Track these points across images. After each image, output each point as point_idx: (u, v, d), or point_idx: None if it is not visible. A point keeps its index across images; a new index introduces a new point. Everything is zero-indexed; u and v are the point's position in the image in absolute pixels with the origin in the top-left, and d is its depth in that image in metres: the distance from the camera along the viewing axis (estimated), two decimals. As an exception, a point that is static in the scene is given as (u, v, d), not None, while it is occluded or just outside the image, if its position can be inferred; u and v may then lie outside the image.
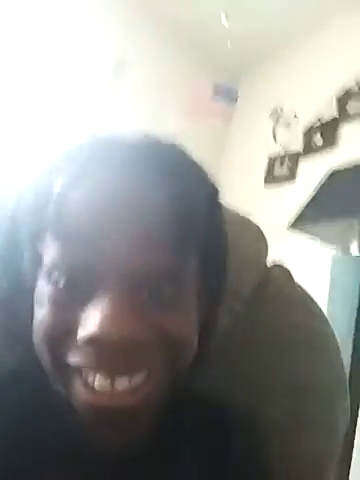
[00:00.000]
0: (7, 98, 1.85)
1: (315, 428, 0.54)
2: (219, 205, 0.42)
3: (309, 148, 2.02)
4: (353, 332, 1.37)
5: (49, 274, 0.34)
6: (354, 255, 1.57)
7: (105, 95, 2.07)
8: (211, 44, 2.05)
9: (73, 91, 2.01)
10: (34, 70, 1.91)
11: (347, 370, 1.10)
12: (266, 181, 2.21)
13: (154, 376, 0.34)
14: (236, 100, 1.89)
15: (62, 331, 0.33)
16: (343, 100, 1.92)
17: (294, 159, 2.09)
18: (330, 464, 0.55)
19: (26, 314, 0.37)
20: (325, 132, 1.96)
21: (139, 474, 0.39)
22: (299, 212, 1.59)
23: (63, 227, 0.33)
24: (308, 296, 0.60)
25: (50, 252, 0.34)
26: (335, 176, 1.63)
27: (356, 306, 1.41)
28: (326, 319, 0.59)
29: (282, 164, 2.15)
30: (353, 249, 1.59)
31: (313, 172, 1.81)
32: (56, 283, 0.33)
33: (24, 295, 0.38)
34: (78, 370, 0.34)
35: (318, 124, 2.01)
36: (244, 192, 2.02)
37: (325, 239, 1.60)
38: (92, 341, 0.31)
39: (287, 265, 0.63)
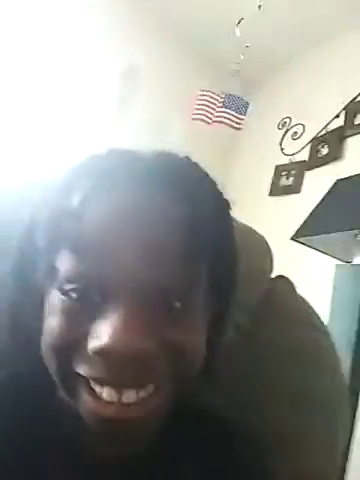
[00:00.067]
0: (18, 109, 1.88)
1: (318, 442, 0.54)
2: (230, 218, 0.43)
3: (315, 159, 2.03)
4: (354, 341, 1.37)
5: (63, 285, 0.34)
6: (358, 264, 1.57)
7: (114, 107, 2.09)
8: (223, 55, 2.09)
9: (82, 101, 2.03)
10: (39, 79, 1.93)
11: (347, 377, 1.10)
12: (272, 192, 2.21)
13: (161, 389, 0.35)
14: (245, 113, 1.89)
15: (71, 340, 0.34)
16: (350, 112, 1.93)
17: (300, 170, 2.09)
18: (333, 477, 0.55)
19: (35, 324, 0.37)
20: (332, 143, 1.96)
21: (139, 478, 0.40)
22: (303, 223, 1.59)
23: (79, 240, 0.34)
24: (311, 308, 0.61)
25: (65, 264, 0.34)
26: (340, 187, 1.63)
27: (357, 316, 1.41)
28: (328, 333, 0.60)
29: (288, 175, 2.15)
30: (357, 260, 1.59)
31: (319, 183, 1.82)
32: (69, 294, 0.34)
33: (35, 305, 0.38)
34: (85, 380, 0.34)
35: (325, 135, 2.01)
36: (250, 202, 2.02)
37: (329, 250, 1.60)
38: (102, 352, 0.32)
39: (291, 275, 0.63)
